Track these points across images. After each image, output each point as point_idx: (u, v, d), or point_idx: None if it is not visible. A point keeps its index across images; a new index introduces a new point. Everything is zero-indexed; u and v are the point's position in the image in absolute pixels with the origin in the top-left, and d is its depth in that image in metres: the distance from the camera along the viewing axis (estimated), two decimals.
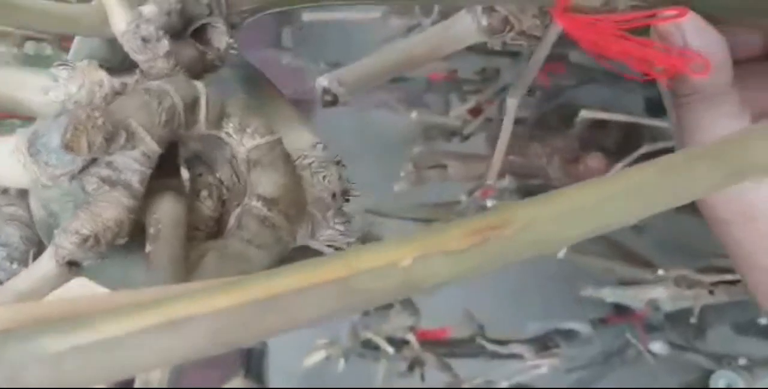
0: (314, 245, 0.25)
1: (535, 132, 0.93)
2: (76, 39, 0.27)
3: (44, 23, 0.24)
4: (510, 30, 0.33)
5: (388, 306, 1.51)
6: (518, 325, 1.12)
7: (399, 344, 1.16)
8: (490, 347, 0.97)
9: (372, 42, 1.09)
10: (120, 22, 0.24)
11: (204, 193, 0.24)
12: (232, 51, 0.26)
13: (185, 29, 0.25)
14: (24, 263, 0.24)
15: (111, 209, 0.21)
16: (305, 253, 0.24)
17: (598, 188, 0.20)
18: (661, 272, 0.73)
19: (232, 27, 0.26)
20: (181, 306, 0.16)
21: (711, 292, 0.74)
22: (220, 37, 0.26)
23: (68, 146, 0.20)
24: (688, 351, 0.99)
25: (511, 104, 0.36)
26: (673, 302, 0.77)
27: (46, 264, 0.21)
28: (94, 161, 0.22)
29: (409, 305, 1.54)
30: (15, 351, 0.15)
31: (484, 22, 0.33)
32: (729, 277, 0.73)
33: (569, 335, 1.05)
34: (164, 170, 0.23)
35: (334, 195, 0.25)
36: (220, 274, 0.21)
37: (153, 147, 0.22)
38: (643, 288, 0.76)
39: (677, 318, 0.97)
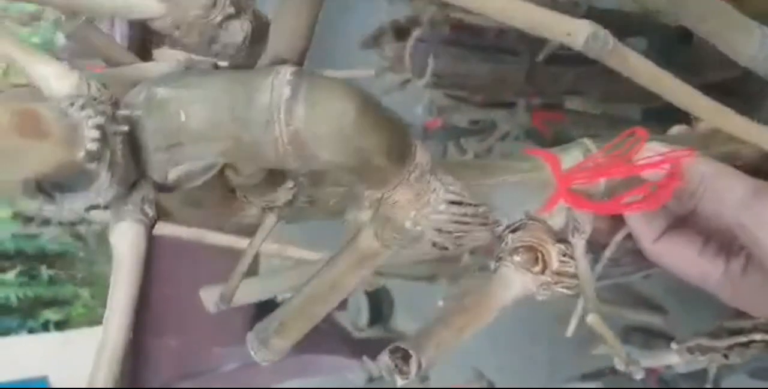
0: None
1: None
2: None
3: None
4: (544, 268, 0.35)
5: None
6: (528, 382, 1.09)
7: None
8: None
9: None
10: None
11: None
12: None
13: None
14: None
15: None
16: None
17: None
18: (674, 345, 0.71)
19: None
20: None
21: (725, 356, 0.72)
22: None
23: None
24: None
25: (594, 318, 0.36)
26: (688, 366, 0.75)
27: None
28: None
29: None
30: None
31: (517, 258, 0.35)
32: (743, 339, 0.71)
33: None
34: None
35: None
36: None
37: None
38: (658, 356, 0.74)
39: (691, 373, 0.94)
